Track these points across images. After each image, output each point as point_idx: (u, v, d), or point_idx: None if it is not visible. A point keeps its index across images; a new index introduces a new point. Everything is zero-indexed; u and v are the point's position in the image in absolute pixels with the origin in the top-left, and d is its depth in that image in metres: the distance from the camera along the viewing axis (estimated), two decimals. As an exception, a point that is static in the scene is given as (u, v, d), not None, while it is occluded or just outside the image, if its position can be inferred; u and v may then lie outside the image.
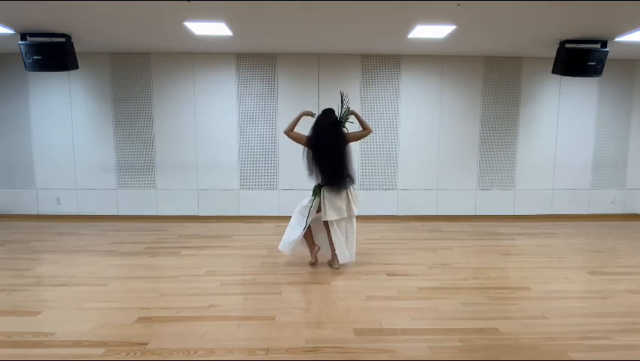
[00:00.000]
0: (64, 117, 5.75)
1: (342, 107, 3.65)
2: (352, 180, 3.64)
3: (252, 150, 5.81)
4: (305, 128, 3.69)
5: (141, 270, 3.77)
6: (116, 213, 5.89)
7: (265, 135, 5.78)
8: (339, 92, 3.73)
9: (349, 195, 3.63)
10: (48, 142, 5.79)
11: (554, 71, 4.86)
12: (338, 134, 3.58)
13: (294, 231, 3.68)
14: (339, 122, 3.62)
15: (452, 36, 4.53)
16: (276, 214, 5.88)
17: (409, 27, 4.23)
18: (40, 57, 4.36)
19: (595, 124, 5.98)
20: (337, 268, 3.72)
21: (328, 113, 3.60)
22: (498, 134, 5.91)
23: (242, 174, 5.85)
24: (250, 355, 2.30)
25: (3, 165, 5.86)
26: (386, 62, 5.72)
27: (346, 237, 3.72)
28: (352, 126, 3.76)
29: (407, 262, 4.00)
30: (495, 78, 5.81)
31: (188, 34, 4.49)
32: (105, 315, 2.80)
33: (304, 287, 3.34)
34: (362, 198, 4.09)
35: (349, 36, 4.62)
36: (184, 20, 4.00)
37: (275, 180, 5.85)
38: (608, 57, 4.64)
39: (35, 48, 4.33)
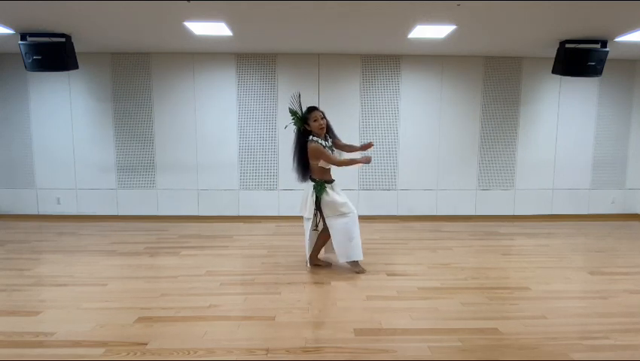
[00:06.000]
0: (64, 117, 5.75)
1: (299, 105, 3.57)
2: (308, 181, 3.64)
3: (252, 150, 5.81)
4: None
5: (141, 270, 3.77)
6: (116, 213, 5.89)
7: (265, 135, 5.78)
8: (294, 94, 3.64)
9: (307, 196, 3.61)
10: (48, 142, 5.79)
11: (554, 71, 4.86)
12: (296, 137, 3.60)
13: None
14: (300, 126, 3.56)
15: (452, 36, 4.53)
16: (276, 214, 5.88)
17: (409, 27, 4.23)
18: (40, 57, 4.35)
19: (595, 124, 5.98)
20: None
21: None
22: (498, 134, 5.91)
23: (242, 174, 5.85)
24: (250, 355, 2.30)
25: (3, 165, 5.86)
26: (386, 62, 5.72)
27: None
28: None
29: (407, 262, 4.00)
30: (495, 78, 5.81)
31: (188, 34, 4.49)
32: (105, 315, 2.80)
33: (304, 287, 3.34)
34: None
35: (349, 36, 4.62)
36: (184, 20, 4.00)
37: (275, 180, 5.85)
38: (608, 57, 4.64)
39: (35, 48, 4.33)
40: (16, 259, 4.10)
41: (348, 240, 3.56)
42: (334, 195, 3.56)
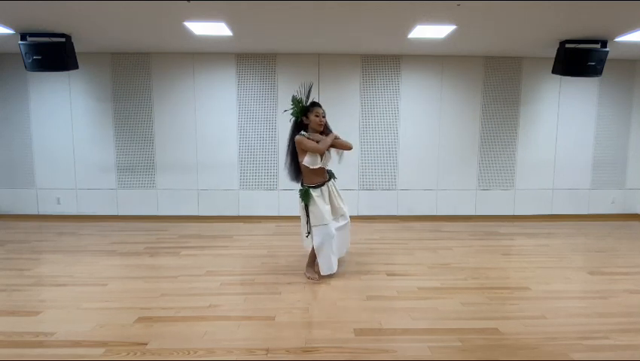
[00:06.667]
0: (64, 117, 5.75)
1: (307, 97, 3.48)
2: (298, 182, 3.54)
3: (252, 150, 5.81)
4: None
5: (141, 270, 3.77)
6: (116, 213, 5.89)
7: (265, 135, 5.78)
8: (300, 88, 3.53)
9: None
10: (48, 142, 5.79)
11: (554, 71, 4.86)
12: (292, 128, 3.50)
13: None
14: (299, 117, 3.44)
15: (452, 36, 4.53)
16: (276, 214, 5.88)
17: (409, 27, 4.23)
18: (40, 57, 4.35)
19: (595, 124, 5.98)
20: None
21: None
22: (498, 134, 5.91)
23: (242, 174, 5.85)
24: (250, 355, 2.30)
25: (3, 165, 5.86)
26: (386, 62, 5.72)
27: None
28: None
29: (407, 262, 3.99)
30: (495, 78, 5.81)
31: (188, 34, 4.49)
32: (105, 315, 2.80)
33: (304, 287, 3.34)
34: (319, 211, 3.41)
35: (349, 36, 4.62)
36: (184, 20, 4.00)
37: (275, 180, 5.85)
38: (608, 57, 4.64)
39: (35, 48, 4.33)
40: (16, 259, 4.10)
41: (329, 251, 3.42)
42: (321, 203, 3.37)
